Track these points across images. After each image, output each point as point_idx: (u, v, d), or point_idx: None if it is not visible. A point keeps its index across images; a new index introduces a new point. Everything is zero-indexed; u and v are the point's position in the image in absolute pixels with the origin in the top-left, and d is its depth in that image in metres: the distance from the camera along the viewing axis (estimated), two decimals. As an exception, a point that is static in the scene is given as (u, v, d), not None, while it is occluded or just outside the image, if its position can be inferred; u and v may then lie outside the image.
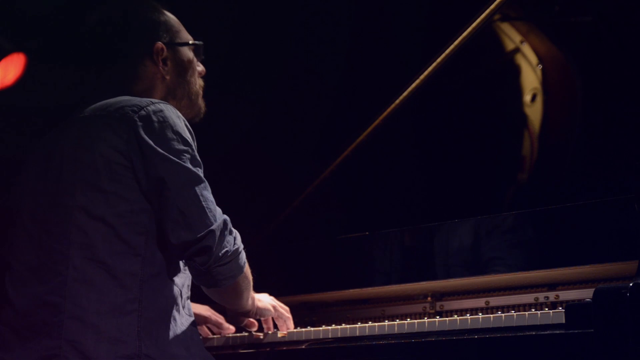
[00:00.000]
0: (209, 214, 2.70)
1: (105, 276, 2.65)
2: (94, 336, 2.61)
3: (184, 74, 3.05)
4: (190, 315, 2.84)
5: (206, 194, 2.74)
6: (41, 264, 2.72)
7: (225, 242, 2.72)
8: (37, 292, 2.69)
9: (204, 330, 3.27)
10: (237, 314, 3.17)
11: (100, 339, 2.61)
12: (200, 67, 3.09)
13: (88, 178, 2.72)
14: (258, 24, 4.64)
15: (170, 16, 3.08)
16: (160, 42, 3.00)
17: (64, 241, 2.69)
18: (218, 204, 2.78)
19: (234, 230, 2.79)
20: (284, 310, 3.20)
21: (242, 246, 2.80)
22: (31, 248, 2.76)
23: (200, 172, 2.76)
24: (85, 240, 2.67)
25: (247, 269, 2.87)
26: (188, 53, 3.07)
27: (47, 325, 2.64)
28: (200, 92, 3.11)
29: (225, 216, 2.77)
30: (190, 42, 3.07)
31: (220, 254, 2.71)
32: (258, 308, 3.10)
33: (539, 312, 2.67)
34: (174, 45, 3.03)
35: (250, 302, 3.03)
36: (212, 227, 2.69)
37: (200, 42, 3.10)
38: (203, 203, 2.71)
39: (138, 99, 2.86)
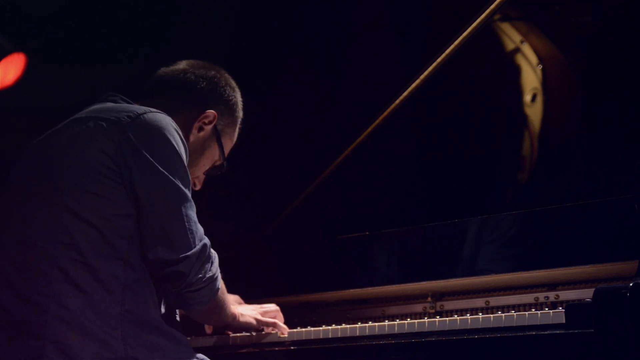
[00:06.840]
0: (189, 236, 2.68)
1: (90, 278, 2.62)
2: (79, 338, 2.59)
3: (199, 153, 3.03)
4: (173, 320, 2.83)
5: (191, 214, 2.71)
6: (24, 261, 2.67)
7: (200, 269, 2.70)
8: (20, 290, 2.65)
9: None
10: (217, 327, 3.18)
11: (85, 341, 2.58)
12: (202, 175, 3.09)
13: (75, 178, 2.68)
14: (258, 23, 4.64)
15: (239, 119, 3.10)
16: (215, 113, 3.01)
17: (49, 240, 2.65)
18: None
19: (212, 255, 2.76)
20: (270, 317, 3.17)
21: (218, 272, 2.78)
22: (15, 244, 2.71)
23: (188, 190, 2.73)
24: (70, 241, 2.64)
25: (223, 291, 2.87)
26: (216, 150, 3.06)
27: (31, 324, 2.61)
28: (196, 180, 3.07)
29: (206, 239, 2.74)
30: (226, 153, 3.07)
31: (193, 280, 2.69)
32: (239, 322, 3.09)
33: (539, 312, 2.67)
34: (218, 134, 3.04)
35: (229, 319, 3.04)
36: (188, 253, 2.67)
37: (226, 165, 3.10)
38: (186, 224, 2.68)
39: (137, 106, 2.83)
